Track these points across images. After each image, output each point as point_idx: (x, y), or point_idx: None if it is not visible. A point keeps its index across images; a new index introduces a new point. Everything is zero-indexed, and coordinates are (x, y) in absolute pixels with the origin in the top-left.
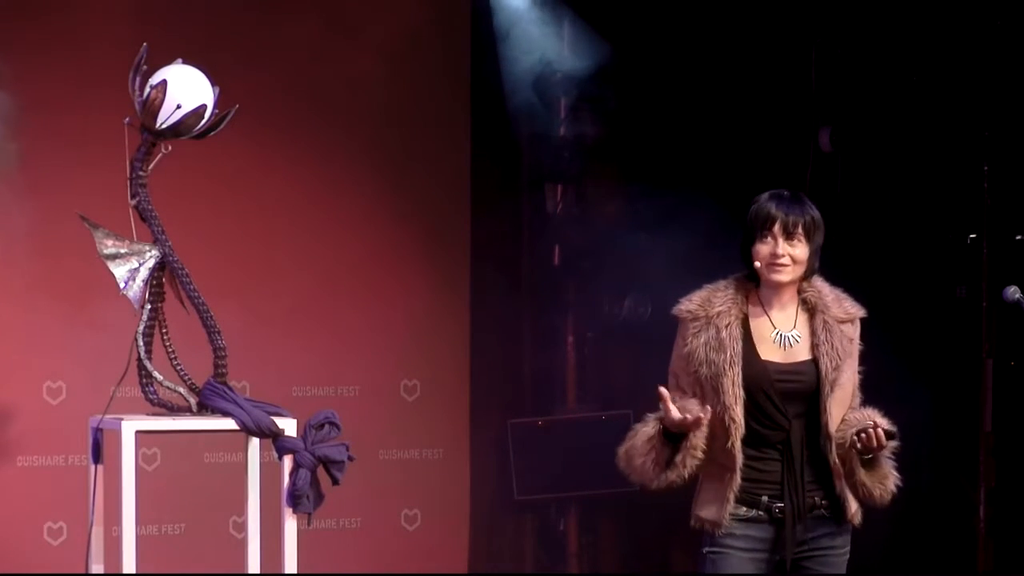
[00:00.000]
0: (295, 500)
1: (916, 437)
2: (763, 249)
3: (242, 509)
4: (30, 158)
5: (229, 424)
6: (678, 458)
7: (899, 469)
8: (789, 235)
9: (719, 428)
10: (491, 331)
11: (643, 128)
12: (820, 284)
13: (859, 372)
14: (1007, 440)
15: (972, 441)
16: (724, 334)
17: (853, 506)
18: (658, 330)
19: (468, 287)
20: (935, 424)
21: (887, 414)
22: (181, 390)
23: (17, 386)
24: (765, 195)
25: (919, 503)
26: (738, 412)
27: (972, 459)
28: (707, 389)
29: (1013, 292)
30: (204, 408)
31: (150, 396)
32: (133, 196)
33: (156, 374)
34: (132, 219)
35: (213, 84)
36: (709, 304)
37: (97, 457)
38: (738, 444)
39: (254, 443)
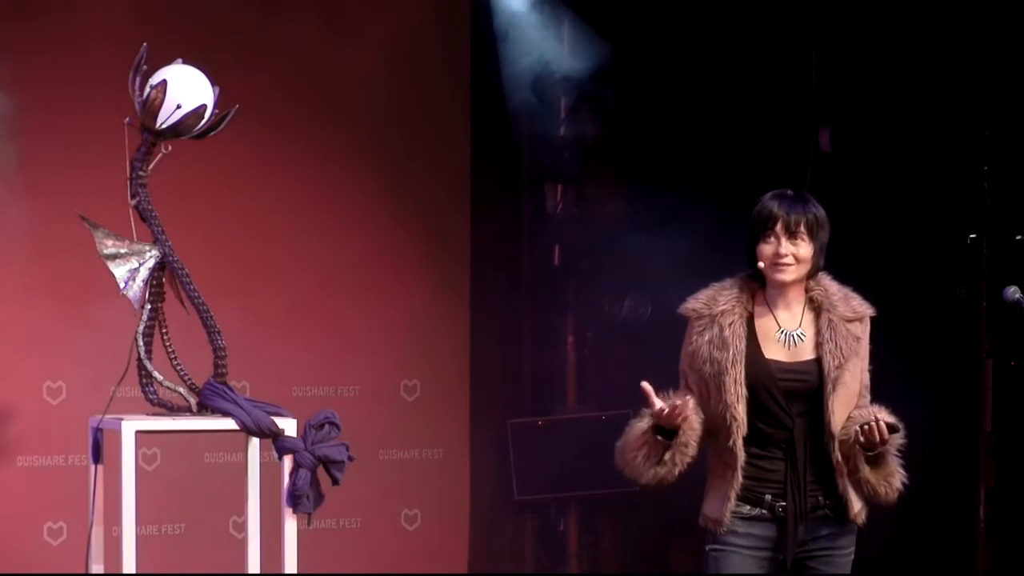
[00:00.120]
0: (295, 500)
1: (916, 437)
2: (766, 249)
3: (242, 509)
4: (30, 158)
5: (229, 424)
6: (667, 455)
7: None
8: (792, 234)
9: (722, 426)
10: (491, 331)
11: (643, 128)
12: (828, 282)
13: (868, 371)
14: (1007, 440)
15: (972, 441)
16: (728, 332)
17: (856, 506)
18: (658, 330)
19: (468, 287)
20: (935, 424)
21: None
22: (181, 390)
23: (17, 386)
24: (768, 194)
25: (919, 503)
26: (740, 411)
27: (972, 459)
28: (711, 387)
29: (1013, 292)
30: (204, 408)
31: (150, 396)
32: (133, 196)
33: (156, 374)
34: (132, 219)
35: (213, 84)
36: (714, 303)
37: (97, 457)
38: (739, 443)
39: (254, 443)
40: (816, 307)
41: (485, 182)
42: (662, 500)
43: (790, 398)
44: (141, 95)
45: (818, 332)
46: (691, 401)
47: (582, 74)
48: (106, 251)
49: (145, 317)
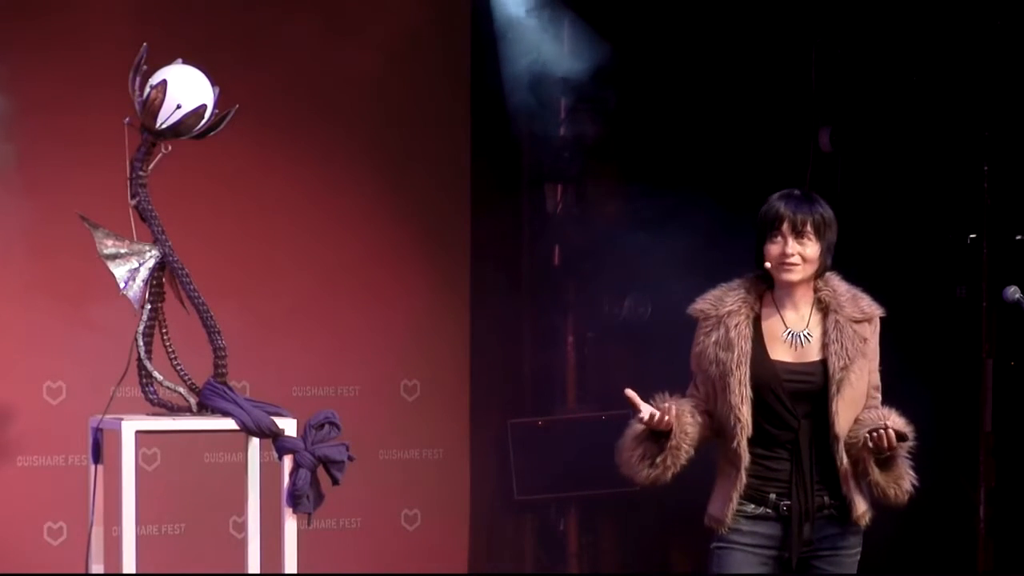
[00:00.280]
0: (295, 500)
1: (916, 437)
2: (773, 249)
3: (242, 509)
4: (30, 158)
5: (229, 424)
6: (659, 458)
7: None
8: (798, 234)
9: (728, 427)
10: (491, 331)
11: (643, 128)
12: (836, 283)
13: (878, 371)
14: (1007, 440)
15: (972, 441)
16: (733, 333)
17: (861, 507)
18: (658, 330)
19: (468, 287)
20: (935, 424)
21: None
22: (181, 390)
23: (17, 386)
24: (776, 194)
25: (919, 503)
26: (744, 412)
27: (972, 459)
28: (717, 388)
29: (1013, 292)
30: (204, 408)
31: (150, 396)
32: (133, 196)
33: (156, 374)
34: (132, 219)
35: (213, 84)
36: (721, 303)
37: (97, 457)
38: (744, 444)
39: (254, 443)
40: (824, 307)
41: (485, 182)
42: (662, 500)
43: (796, 399)
44: (141, 95)
45: (825, 333)
46: (674, 408)
47: (582, 74)
48: (106, 251)
49: (145, 317)
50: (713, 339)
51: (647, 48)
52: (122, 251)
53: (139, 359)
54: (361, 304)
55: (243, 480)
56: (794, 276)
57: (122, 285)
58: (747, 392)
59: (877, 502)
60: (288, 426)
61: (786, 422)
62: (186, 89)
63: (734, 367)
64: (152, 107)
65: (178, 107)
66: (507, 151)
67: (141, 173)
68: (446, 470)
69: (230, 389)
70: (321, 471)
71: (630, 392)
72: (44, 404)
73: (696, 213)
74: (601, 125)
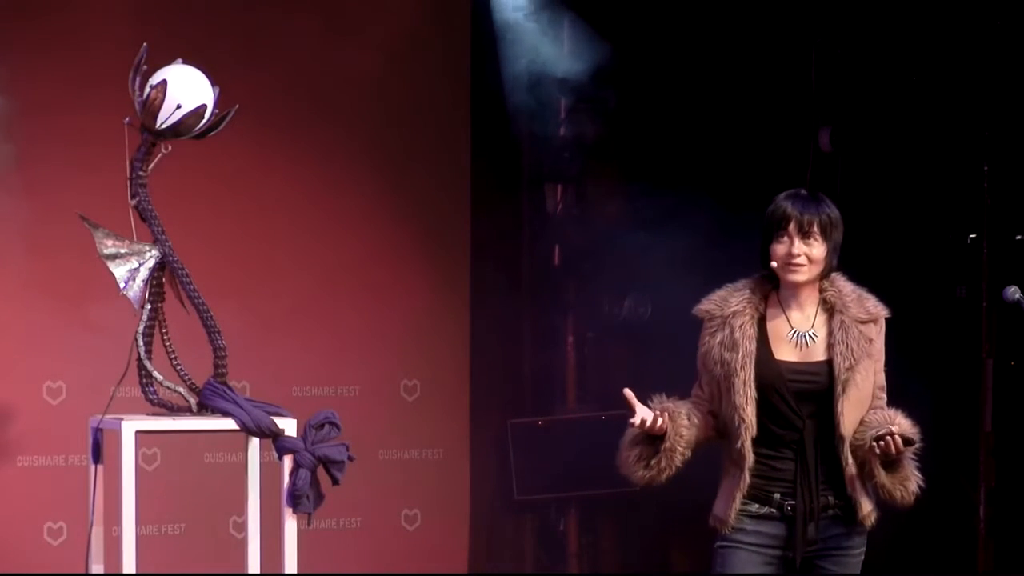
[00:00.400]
0: (295, 500)
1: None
2: (779, 249)
3: (242, 509)
4: (30, 158)
5: (229, 424)
6: (654, 460)
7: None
8: (805, 234)
9: (732, 427)
10: (491, 331)
11: (643, 128)
12: (842, 283)
13: (884, 372)
14: (1007, 440)
15: (972, 441)
16: (738, 334)
17: (866, 508)
18: (658, 330)
19: (468, 287)
20: (935, 424)
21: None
22: (181, 390)
23: (17, 386)
24: (782, 195)
25: (919, 503)
26: (748, 413)
27: (972, 459)
28: (721, 389)
29: (1013, 292)
30: (204, 408)
31: (150, 396)
32: (133, 196)
33: (156, 374)
34: (132, 219)
35: (213, 84)
36: (726, 304)
37: (97, 457)
38: (748, 444)
39: (254, 443)
40: (829, 308)
41: (485, 182)
42: (662, 500)
43: (801, 399)
44: (141, 95)
45: (830, 333)
46: (668, 412)
47: (581, 74)
48: (106, 251)
49: (145, 317)
50: (718, 339)
51: (647, 48)
52: (122, 251)
53: (139, 359)
54: (361, 304)
55: (243, 480)
56: (800, 277)
57: (122, 285)
58: (751, 392)
59: (882, 503)
60: (288, 426)
61: (791, 422)
62: (186, 89)
63: (738, 367)
64: (152, 107)
65: (178, 107)
66: (507, 151)
67: (141, 173)
68: (446, 470)
69: (230, 389)
70: (321, 471)
71: (627, 392)
72: (44, 404)
73: (696, 213)
74: (601, 125)
